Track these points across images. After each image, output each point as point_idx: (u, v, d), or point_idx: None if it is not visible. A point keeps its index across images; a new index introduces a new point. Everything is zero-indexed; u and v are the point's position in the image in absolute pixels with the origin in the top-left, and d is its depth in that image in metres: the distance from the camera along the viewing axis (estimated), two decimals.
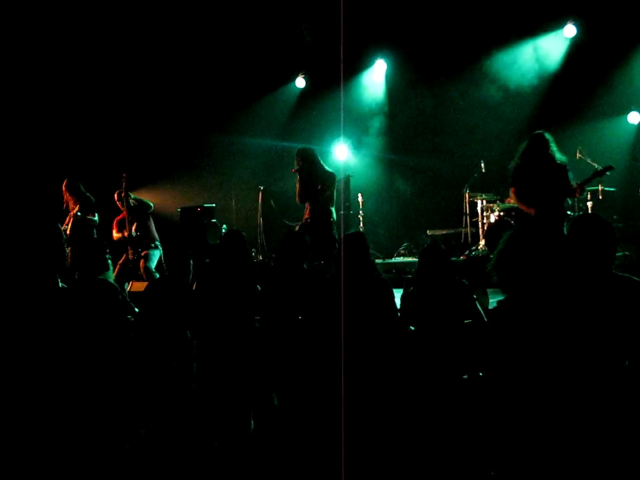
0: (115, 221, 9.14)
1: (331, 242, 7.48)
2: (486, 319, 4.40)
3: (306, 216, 7.83)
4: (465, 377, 4.28)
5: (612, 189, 9.34)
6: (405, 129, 11.68)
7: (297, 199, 7.90)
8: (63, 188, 8.98)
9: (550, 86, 10.56)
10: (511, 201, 7.49)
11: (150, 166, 11.42)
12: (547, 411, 2.99)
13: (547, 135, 6.82)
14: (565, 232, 3.57)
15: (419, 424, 4.18)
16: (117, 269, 8.67)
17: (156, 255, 8.91)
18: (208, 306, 4.94)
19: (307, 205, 7.83)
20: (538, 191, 6.70)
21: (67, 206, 8.97)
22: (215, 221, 11.00)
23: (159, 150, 11.67)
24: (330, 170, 7.87)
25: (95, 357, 4.71)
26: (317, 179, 7.72)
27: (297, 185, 7.84)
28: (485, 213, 9.78)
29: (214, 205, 11.30)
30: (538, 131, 6.91)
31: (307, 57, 11.57)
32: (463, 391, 4.22)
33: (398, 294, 4.80)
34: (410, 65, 11.25)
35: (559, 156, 6.80)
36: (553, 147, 6.79)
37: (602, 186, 9.06)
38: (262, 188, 11.26)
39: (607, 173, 7.45)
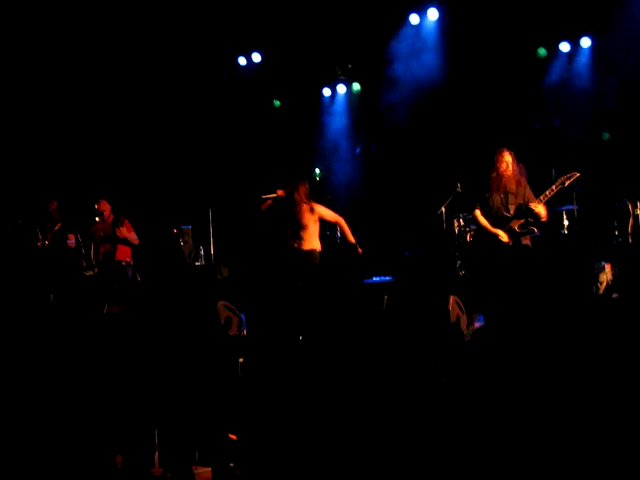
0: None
1: None
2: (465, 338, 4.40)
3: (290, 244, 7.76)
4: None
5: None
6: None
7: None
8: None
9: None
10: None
11: (125, 185, 11.40)
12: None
13: (505, 151, 6.78)
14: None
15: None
16: None
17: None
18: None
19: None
20: (504, 210, 6.71)
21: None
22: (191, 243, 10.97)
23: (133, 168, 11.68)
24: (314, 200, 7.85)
25: None
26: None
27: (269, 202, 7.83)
28: (461, 233, 9.81)
29: (190, 226, 11.26)
30: (498, 148, 6.87)
31: None
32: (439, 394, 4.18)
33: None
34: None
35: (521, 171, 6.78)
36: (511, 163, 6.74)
37: (576, 204, 9.08)
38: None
39: (576, 187, 7.34)
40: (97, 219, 8.99)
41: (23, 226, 9.19)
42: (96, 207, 9.04)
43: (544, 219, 6.70)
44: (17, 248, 8.95)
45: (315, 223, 7.64)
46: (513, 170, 6.75)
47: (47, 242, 8.99)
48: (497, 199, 6.77)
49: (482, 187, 6.93)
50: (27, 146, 11.00)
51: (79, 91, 11.16)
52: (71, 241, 9.13)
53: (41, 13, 10.21)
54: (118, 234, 8.77)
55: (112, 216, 9.04)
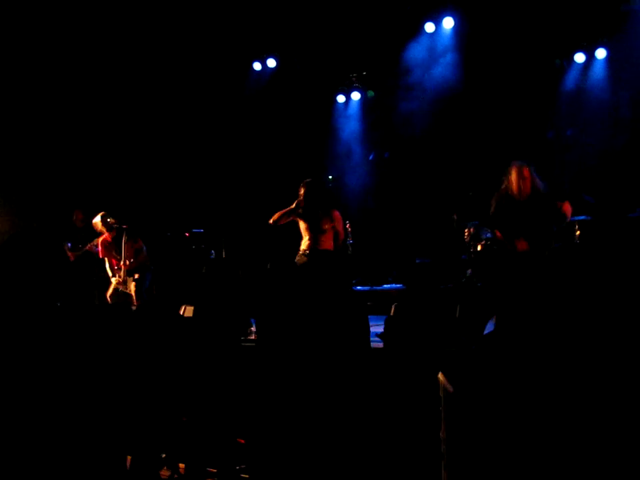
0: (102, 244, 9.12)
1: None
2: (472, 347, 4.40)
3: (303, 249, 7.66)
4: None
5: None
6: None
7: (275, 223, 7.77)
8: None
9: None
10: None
11: (138, 189, 11.47)
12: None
13: (523, 164, 6.63)
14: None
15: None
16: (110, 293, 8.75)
17: (148, 278, 8.97)
18: None
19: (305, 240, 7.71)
20: (522, 226, 6.56)
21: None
22: (203, 246, 11.00)
23: (146, 172, 11.75)
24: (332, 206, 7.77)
25: None
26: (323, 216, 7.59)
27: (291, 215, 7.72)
28: (472, 242, 9.79)
29: (202, 230, 11.30)
30: (515, 161, 6.71)
31: None
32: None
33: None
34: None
35: (539, 183, 6.63)
36: (532, 176, 6.59)
37: (589, 215, 9.08)
38: None
39: (587, 197, 7.35)
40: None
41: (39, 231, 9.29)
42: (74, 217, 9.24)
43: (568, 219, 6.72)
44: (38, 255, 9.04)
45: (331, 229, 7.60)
46: (530, 182, 6.62)
47: (78, 253, 9.04)
48: (512, 212, 6.66)
49: (498, 200, 6.83)
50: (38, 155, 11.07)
51: (92, 95, 11.22)
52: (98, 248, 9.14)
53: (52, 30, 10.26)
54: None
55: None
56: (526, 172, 6.58)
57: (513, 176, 6.60)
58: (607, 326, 3.07)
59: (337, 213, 7.60)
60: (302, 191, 7.56)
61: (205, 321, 5.02)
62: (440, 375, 3.96)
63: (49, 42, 10.31)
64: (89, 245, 9.42)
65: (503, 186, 6.74)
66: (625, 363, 2.98)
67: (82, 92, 11.10)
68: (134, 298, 8.62)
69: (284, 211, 7.59)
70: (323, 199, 7.60)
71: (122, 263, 8.68)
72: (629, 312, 3.12)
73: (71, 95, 11.03)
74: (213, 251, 11.13)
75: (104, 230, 8.89)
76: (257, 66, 11.87)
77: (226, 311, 5.21)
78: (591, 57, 10.38)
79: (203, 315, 5.14)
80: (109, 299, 8.90)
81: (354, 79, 12.01)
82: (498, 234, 6.82)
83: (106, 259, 8.93)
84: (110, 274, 8.89)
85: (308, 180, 7.71)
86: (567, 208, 6.60)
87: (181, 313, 7.12)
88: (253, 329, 6.30)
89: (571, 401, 2.96)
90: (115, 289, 8.86)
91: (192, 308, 7.20)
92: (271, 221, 7.66)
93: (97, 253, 9.18)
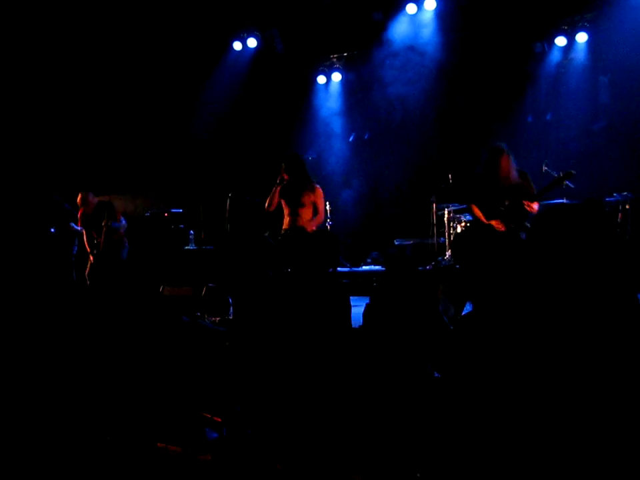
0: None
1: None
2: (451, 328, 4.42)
3: (284, 227, 7.62)
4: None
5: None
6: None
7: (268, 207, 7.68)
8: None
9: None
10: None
11: (118, 169, 11.40)
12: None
13: (503, 146, 6.90)
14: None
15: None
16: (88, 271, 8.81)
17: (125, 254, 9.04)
18: None
19: (285, 217, 7.62)
20: (499, 204, 6.85)
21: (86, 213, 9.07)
22: (182, 226, 10.96)
23: (125, 152, 11.66)
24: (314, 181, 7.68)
25: None
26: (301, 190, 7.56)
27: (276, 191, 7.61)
28: (451, 224, 9.87)
29: (181, 210, 11.26)
30: (495, 144, 6.99)
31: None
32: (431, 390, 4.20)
33: (363, 302, 4.80)
34: None
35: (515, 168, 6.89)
36: (510, 158, 6.87)
37: (567, 199, 9.16)
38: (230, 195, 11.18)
39: (567, 181, 7.51)
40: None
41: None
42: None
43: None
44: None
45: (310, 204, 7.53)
46: (510, 168, 6.87)
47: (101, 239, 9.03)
48: (493, 194, 6.90)
49: (478, 182, 7.07)
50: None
51: (77, 83, 11.12)
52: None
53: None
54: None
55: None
56: (509, 158, 6.85)
57: (501, 161, 6.83)
58: (580, 307, 3.09)
59: (318, 188, 7.54)
60: (283, 166, 7.55)
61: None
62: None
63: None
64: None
65: (486, 168, 6.94)
66: (599, 345, 3.02)
67: (61, 73, 10.98)
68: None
69: (271, 192, 7.57)
70: (303, 171, 7.55)
71: (100, 238, 8.76)
72: (600, 293, 3.14)
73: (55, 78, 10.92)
74: (192, 231, 11.10)
75: (85, 204, 9.11)
76: (237, 45, 11.74)
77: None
78: (571, 40, 10.38)
79: None
80: (87, 278, 8.91)
81: (334, 59, 11.95)
82: (476, 210, 7.00)
83: (84, 231, 9.04)
84: (88, 248, 8.96)
85: (288, 154, 7.74)
86: (533, 208, 6.85)
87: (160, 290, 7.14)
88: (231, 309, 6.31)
89: (549, 383, 2.99)
90: (92, 266, 8.88)
91: (171, 288, 7.21)
92: (265, 208, 7.64)
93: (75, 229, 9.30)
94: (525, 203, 6.78)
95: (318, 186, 7.55)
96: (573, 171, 7.41)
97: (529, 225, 7.03)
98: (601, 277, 3.07)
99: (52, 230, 9.55)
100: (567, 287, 3.15)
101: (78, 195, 9.28)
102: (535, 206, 6.82)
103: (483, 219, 7.00)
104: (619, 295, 3.04)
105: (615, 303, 3.01)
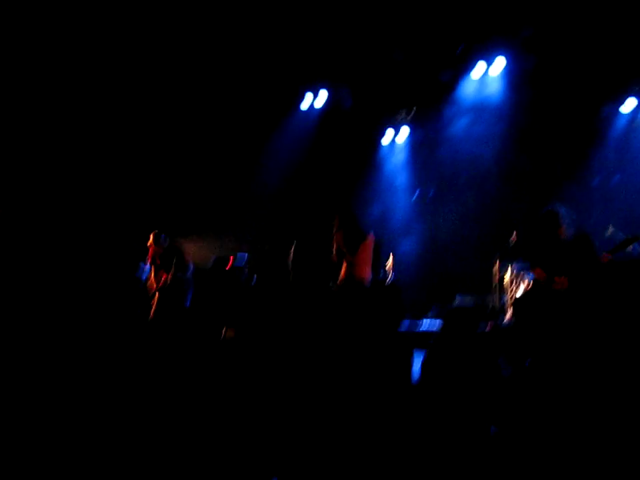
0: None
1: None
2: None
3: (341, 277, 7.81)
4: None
5: None
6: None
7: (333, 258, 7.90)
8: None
9: None
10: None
11: (189, 212, 11.75)
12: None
13: (557, 210, 6.97)
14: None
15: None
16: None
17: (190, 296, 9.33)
18: None
19: (343, 266, 7.81)
20: (561, 265, 6.85)
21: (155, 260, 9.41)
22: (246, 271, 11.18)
23: (197, 197, 12.01)
24: (366, 231, 7.85)
25: None
26: (354, 241, 7.72)
27: (334, 244, 7.85)
28: (514, 282, 9.80)
29: (246, 253, 11.48)
30: (548, 208, 7.06)
31: None
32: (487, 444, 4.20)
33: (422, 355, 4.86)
34: None
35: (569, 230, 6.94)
36: (564, 223, 6.92)
37: None
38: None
39: (636, 244, 7.44)
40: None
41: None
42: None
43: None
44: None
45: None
46: (565, 230, 6.94)
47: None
48: (553, 254, 6.92)
49: (539, 242, 7.10)
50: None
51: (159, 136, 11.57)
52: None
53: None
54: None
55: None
56: (564, 221, 6.91)
57: (558, 223, 6.90)
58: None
59: (371, 236, 7.70)
60: (337, 219, 7.76)
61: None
62: None
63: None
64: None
65: (548, 228, 6.97)
66: None
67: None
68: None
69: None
70: (355, 222, 7.73)
71: (169, 276, 9.05)
72: None
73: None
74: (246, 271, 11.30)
75: (156, 245, 9.38)
76: (308, 99, 12.03)
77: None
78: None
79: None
80: (151, 318, 9.17)
81: (402, 115, 12.13)
82: (539, 272, 7.01)
83: (153, 268, 9.33)
84: (154, 285, 9.24)
85: (341, 207, 7.96)
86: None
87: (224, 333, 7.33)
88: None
89: (604, 448, 3.01)
90: (157, 307, 9.13)
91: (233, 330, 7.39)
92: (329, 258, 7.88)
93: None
94: (604, 255, 6.82)
95: (371, 233, 7.73)
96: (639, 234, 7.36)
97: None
98: None
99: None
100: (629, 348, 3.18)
101: (150, 234, 9.49)
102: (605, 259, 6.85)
103: (544, 278, 6.98)
104: None
105: None
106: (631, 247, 7.58)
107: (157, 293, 9.23)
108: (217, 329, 6.94)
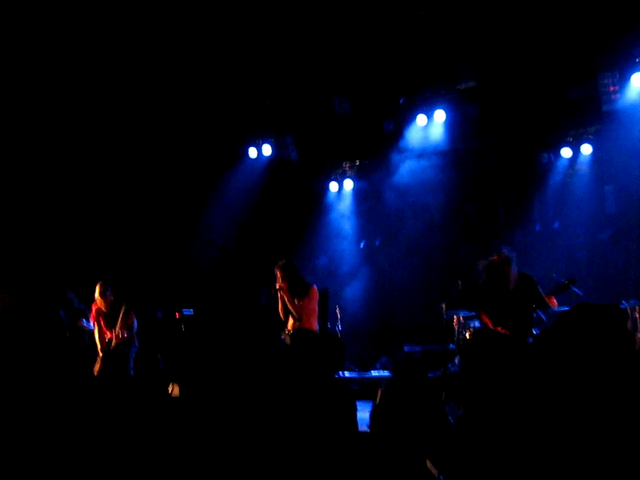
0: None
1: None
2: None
3: (288, 329, 7.91)
4: None
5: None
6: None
7: (280, 315, 8.00)
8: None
9: None
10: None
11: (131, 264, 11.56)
12: None
13: (507, 254, 7.06)
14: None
15: None
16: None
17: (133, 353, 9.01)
18: None
19: (289, 319, 7.92)
20: (506, 312, 6.95)
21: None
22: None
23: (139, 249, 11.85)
24: (309, 283, 7.98)
25: None
26: (298, 293, 7.83)
27: (279, 301, 7.96)
28: (461, 330, 9.83)
29: (192, 311, 11.29)
30: (499, 252, 7.15)
31: None
32: None
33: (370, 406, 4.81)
34: None
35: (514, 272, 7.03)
36: (513, 265, 7.02)
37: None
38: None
39: (574, 288, 7.58)
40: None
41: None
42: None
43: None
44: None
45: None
46: (512, 275, 7.03)
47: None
48: (499, 301, 7.00)
49: (484, 290, 7.17)
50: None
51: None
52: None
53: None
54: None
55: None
56: (512, 266, 7.01)
57: (505, 270, 7.00)
58: (592, 411, 3.09)
59: (313, 289, 7.85)
60: (278, 273, 7.93)
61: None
62: (427, 462, 3.97)
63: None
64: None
65: (491, 276, 7.07)
66: (608, 451, 3.00)
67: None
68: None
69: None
70: (297, 275, 7.92)
71: (114, 334, 8.78)
72: (613, 397, 3.13)
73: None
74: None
75: (102, 298, 8.93)
76: (253, 152, 12.06)
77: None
78: (576, 151, 10.64)
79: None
80: (95, 375, 8.86)
81: (347, 167, 12.25)
82: (484, 317, 7.09)
83: (96, 326, 8.99)
84: (98, 345, 8.93)
85: (282, 261, 8.09)
86: (553, 302, 7.12)
87: (170, 391, 7.14)
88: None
89: None
90: (102, 363, 8.84)
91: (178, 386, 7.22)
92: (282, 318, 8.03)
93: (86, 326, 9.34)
94: (547, 298, 6.97)
95: (314, 286, 7.92)
96: (575, 276, 7.57)
97: (535, 332, 7.14)
98: (615, 382, 3.07)
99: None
100: (580, 389, 3.16)
101: (97, 285, 9.09)
102: (555, 300, 7.07)
103: (490, 325, 7.08)
104: (630, 400, 3.04)
105: (626, 409, 3.01)
106: (570, 290, 7.71)
107: (100, 355, 8.92)
108: (162, 387, 6.72)
